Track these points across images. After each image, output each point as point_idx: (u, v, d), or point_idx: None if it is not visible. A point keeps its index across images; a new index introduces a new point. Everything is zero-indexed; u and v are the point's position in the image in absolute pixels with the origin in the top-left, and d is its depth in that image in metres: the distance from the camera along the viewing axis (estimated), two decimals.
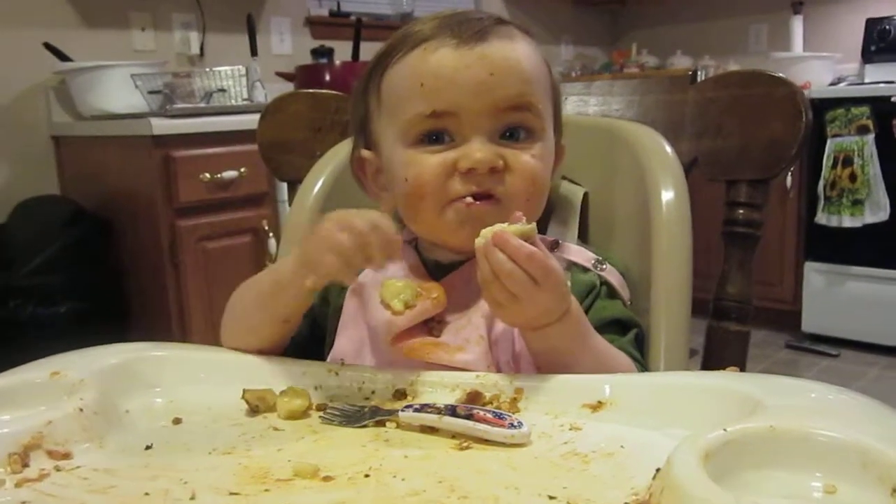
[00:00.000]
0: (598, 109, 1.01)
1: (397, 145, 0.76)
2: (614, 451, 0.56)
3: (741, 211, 0.90)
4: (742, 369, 0.83)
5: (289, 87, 2.83)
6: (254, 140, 1.12)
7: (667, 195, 0.83)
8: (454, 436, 0.59)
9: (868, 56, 3.43)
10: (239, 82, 2.64)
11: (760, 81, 0.89)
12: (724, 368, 0.68)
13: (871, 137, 3.00)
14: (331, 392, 0.69)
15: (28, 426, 0.58)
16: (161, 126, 2.21)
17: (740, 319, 0.90)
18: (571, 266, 0.81)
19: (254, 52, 2.81)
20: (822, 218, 3.14)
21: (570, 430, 0.60)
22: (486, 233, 0.66)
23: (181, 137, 2.24)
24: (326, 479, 0.53)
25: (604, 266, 0.81)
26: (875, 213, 3.02)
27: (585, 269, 0.80)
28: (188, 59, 2.89)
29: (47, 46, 2.43)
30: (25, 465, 0.55)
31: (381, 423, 0.63)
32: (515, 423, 0.58)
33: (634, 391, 0.64)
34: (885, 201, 3.00)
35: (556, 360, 0.68)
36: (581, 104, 1.02)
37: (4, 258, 2.27)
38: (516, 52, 0.75)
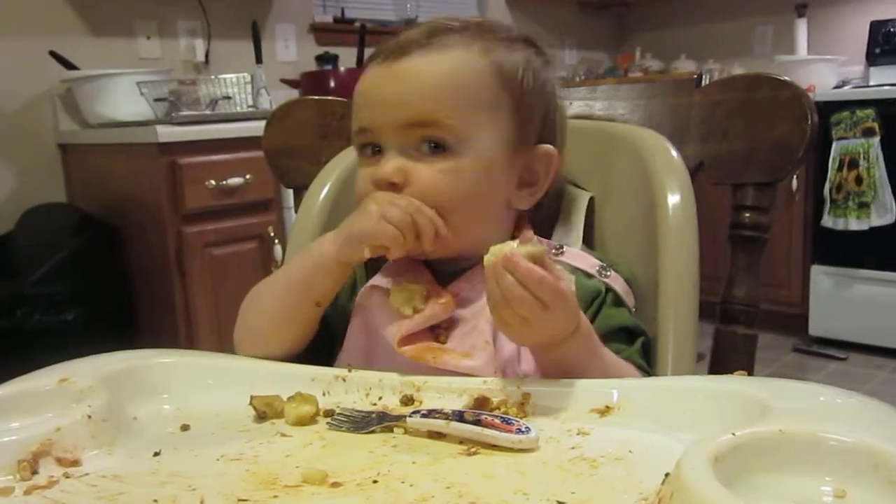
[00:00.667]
0: (603, 113, 1.01)
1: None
2: (623, 456, 0.56)
3: (748, 214, 0.90)
4: (750, 373, 0.82)
5: (294, 93, 2.84)
6: (259, 147, 1.13)
7: (673, 199, 0.83)
8: (462, 441, 0.59)
9: (873, 58, 3.42)
10: (244, 89, 2.65)
11: (766, 84, 0.89)
12: (731, 372, 0.68)
13: (876, 140, 2.99)
14: (338, 398, 0.69)
15: (37, 433, 0.58)
16: (167, 133, 2.22)
17: (748, 323, 0.90)
18: (576, 272, 0.81)
19: (259, 59, 2.82)
20: (828, 221, 3.13)
21: (578, 434, 0.60)
22: (496, 251, 0.65)
23: (187, 144, 2.25)
24: (335, 485, 0.53)
25: (608, 273, 0.81)
26: (881, 215, 3.01)
27: (590, 276, 0.80)
28: (193, 66, 2.90)
29: (53, 55, 2.44)
30: (34, 472, 0.55)
31: (388, 429, 0.63)
32: (523, 429, 0.58)
33: (642, 396, 0.64)
34: (892, 204, 2.99)
35: (564, 375, 0.68)
36: (586, 108, 1.02)
37: (12, 266, 2.28)
38: (432, 65, 0.75)
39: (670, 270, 0.81)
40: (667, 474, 0.48)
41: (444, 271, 0.80)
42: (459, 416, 0.60)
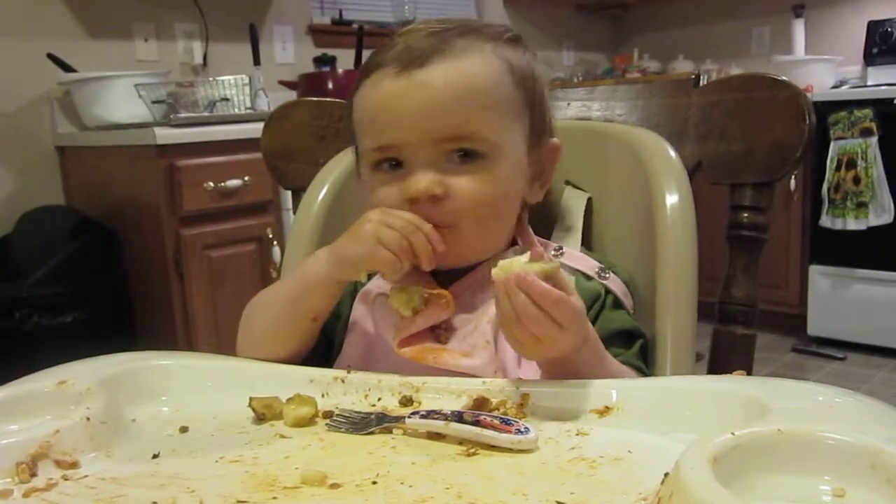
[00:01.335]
0: (601, 114, 1.01)
1: (364, 167, 0.80)
2: (622, 457, 0.56)
3: (746, 214, 0.90)
4: (748, 373, 0.82)
5: (292, 95, 2.84)
6: (257, 148, 1.13)
7: (671, 199, 0.83)
8: (461, 442, 0.59)
9: (870, 58, 3.43)
10: (242, 91, 2.65)
11: (764, 85, 0.89)
12: (730, 372, 0.68)
13: (874, 140, 2.99)
14: (337, 399, 0.69)
15: (35, 435, 0.58)
16: (165, 135, 2.22)
17: (746, 323, 0.90)
18: (575, 273, 0.81)
19: (256, 61, 2.82)
20: (826, 221, 3.13)
21: (578, 435, 0.60)
22: (506, 265, 0.64)
23: (185, 147, 2.25)
24: (334, 486, 0.53)
25: (607, 274, 0.81)
26: (879, 215, 3.01)
27: (589, 278, 0.80)
28: (191, 68, 2.90)
29: (51, 57, 2.44)
30: (33, 475, 0.55)
31: (387, 430, 0.63)
32: (522, 429, 0.58)
33: (641, 396, 0.64)
34: (890, 203, 2.99)
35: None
36: (584, 109, 1.02)
37: (10, 269, 2.27)
38: (458, 73, 0.73)
39: (669, 271, 0.81)
40: (666, 474, 0.48)
41: (444, 272, 0.80)
42: (458, 417, 0.60)
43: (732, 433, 0.48)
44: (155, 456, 0.60)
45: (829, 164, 3.09)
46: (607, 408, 0.63)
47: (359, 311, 0.81)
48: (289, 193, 1.15)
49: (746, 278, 0.90)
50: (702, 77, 0.97)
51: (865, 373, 2.98)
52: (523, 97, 0.77)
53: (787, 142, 0.87)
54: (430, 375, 0.70)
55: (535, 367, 0.72)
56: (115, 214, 2.40)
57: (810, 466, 0.47)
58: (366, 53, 2.94)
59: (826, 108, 3.05)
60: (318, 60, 3.04)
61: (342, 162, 1.01)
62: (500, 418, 0.60)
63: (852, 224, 3.07)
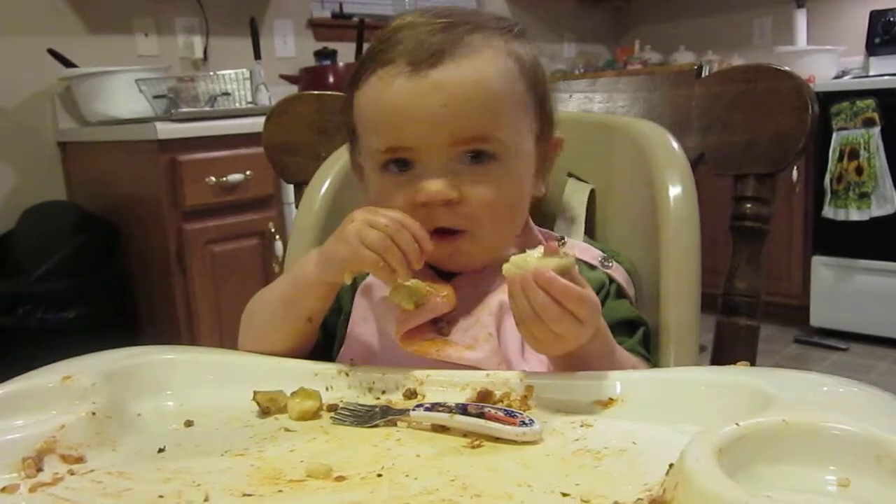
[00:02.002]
0: (603, 106, 1.01)
1: (369, 166, 0.77)
2: (626, 448, 0.56)
3: (749, 205, 0.90)
4: (752, 364, 0.82)
5: (293, 89, 2.83)
6: (259, 143, 1.13)
7: (674, 191, 0.83)
8: (466, 434, 0.59)
9: (872, 48, 3.42)
10: (243, 86, 2.64)
11: (766, 75, 0.89)
12: (734, 363, 0.68)
13: (876, 130, 2.98)
14: (342, 392, 0.69)
15: (41, 431, 0.58)
16: (166, 130, 2.22)
17: (750, 314, 0.90)
18: (579, 263, 0.81)
19: (257, 56, 2.82)
20: (828, 212, 3.13)
21: (582, 427, 0.60)
22: (518, 262, 0.63)
23: (186, 141, 2.25)
24: (339, 479, 0.53)
25: (610, 264, 0.81)
26: (882, 206, 3.00)
27: (593, 267, 0.80)
28: (192, 63, 2.89)
29: (52, 53, 2.44)
30: (39, 470, 0.56)
31: (392, 423, 0.63)
32: (527, 421, 0.58)
33: (645, 387, 0.64)
34: (892, 194, 2.98)
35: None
36: (586, 101, 1.01)
37: (12, 265, 2.28)
38: (474, 73, 0.71)
39: (672, 261, 0.81)
40: (671, 465, 0.48)
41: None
42: (463, 410, 0.60)
43: (737, 424, 0.48)
44: (160, 450, 0.60)
45: (832, 155, 3.08)
46: (611, 399, 0.63)
47: (360, 306, 0.81)
48: (291, 188, 1.15)
49: (750, 269, 0.90)
50: (704, 68, 0.97)
51: (868, 363, 2.98)
52: (533, 94, 0.76)
53: (789, 132, 0.87)
54: (433, 369, 0.70)
55: (538, 358, 0.72)
56: (117, 210, 2.40)
57: (815, 457, 0.47)
58: (367, 47, 2.92)
59: (828, 99, 3.04)
60: (319, 54, 3.04)
61: (344, 155, 1.00)
62: (505, 410, 0.60)
63: (855, 215, 3.06)
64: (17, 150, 2.51)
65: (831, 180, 3.10)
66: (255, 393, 0.67)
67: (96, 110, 2.48)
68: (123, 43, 2.72)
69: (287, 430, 0.63)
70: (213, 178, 2.27)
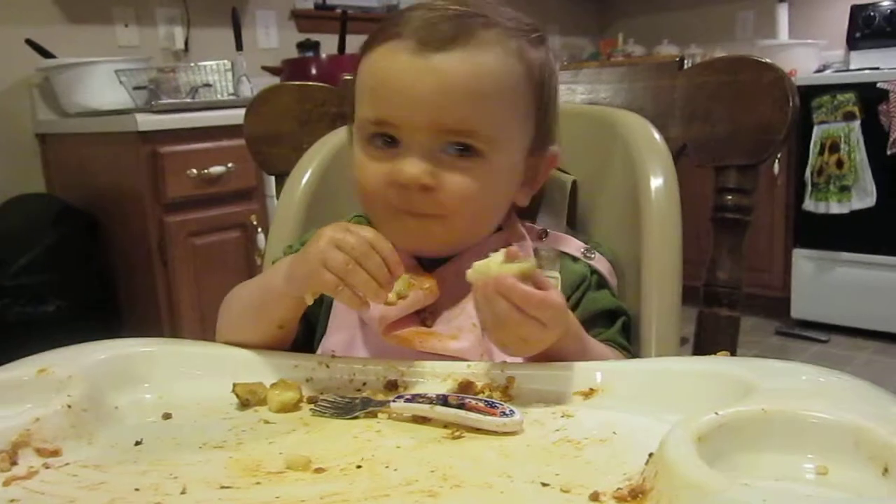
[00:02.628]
0: (585, 97, 1.01)
1: (355, 140, 0.77)
2: (607, 438, 0.56)
3: (730, 197, 0.90)
4: (733, 355, 0.83)
5: (275, 81, 2.80)
6: (241, 135, 1.12)
7: (656, 182, 0.83)
8: (446, 425, 0.59)
9: (853, 43, 3.44)
10: (225, 77, 2.62)
11: (748, 67, 0.89)
12: (715, 354, 0.68)
13: (857, 124, 3.01)
14: (322, 384, 0.69)
15: (16, 424, 0.57)
16: (147, 122, 2.19)
17: (731, 305, 0.90)
18: (561, 255, 0.81)
19: (239, 47, 2.79)
20: (809, 205, 3.15)
21: (563, 417, 0.60)
22: (481, 268, 0.63)
23: (167, 133, 2.23)
24: (318, 470, 0.53)
25: (592, 255, 0.81)
26: (862, 199, 3.03)
27: (575, 259, 0.80)
28: (173, 54, 2.87)
29: (30, 43, 2.41)
30: (14, 463, 0.55)
31: (372, 414, 0.62)
32: (507, 412, 0.58)
33: (626, 377, 0.64)
34: (872, 187, 3.01)
35: None
36: (569, 92, 1.01)
37: None
38: (475, 66, 0.70)
39: (654, 252, 0.81)
40: (651, 454, 0.48)
41: (428, 256, 0.79)
42: (444, 401, 0.60)
43: (717, 413, 0.48)
44: (138, 443, 0.59)
45: (813, 148, 3.10)
46: (592, 389, 0.63)
47: None
48: (272, 180, 1.14)
49: (731, 261, 0.91)
50: (686, 61, 0.97)
51: (848, 355, 3.01)
52: (535, 103, 0.75)
53: (771, 124, 0.87)
54: (415, 359, 0.69)
55: None
56: (97, 202, 2.38)
57: (794, 445, 0.48)
58: (350, 39, 2.92)
59: (809, 92, 3.06)
60: (302, 46, 3.01)
61: (326, 146, 1.00)
62: (486, 401, 0.60)
63: (835, 208, 3.09)
64: None
65: (812, 173, 3.12)
66: (234, 385, 0.66)
67: (76, 101, 2.45)
68: (103, 33, 2.69)
69: (266, 421, 0.63)
70: (195, 171, 2.26)
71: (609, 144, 0.90)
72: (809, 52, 3.46)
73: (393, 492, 0.49)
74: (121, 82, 2.41)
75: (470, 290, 0.74)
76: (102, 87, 2.42)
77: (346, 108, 0.82)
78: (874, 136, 2.98)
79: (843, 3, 3.55)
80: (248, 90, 2.72)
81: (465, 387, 0.64)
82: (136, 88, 2.44)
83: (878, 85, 2.95)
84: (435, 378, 0.67)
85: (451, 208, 0.72)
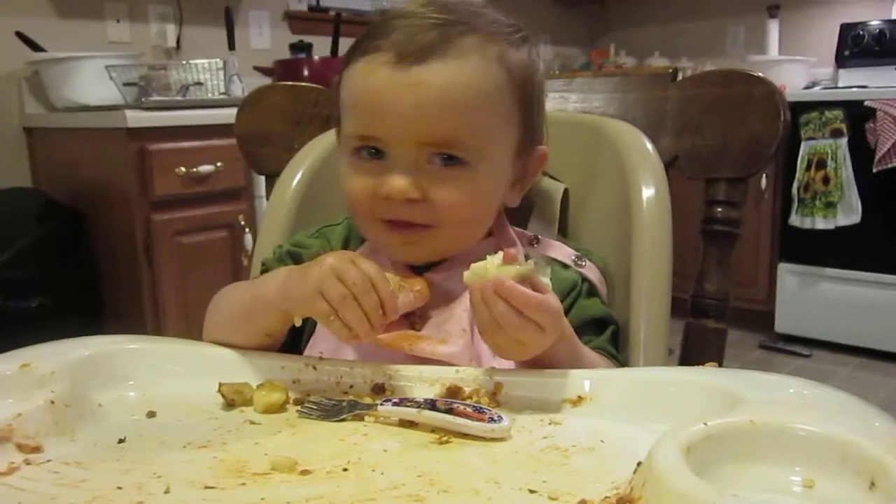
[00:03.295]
0: (578, 106, 1.01)
1: (342, 150, 0.78)
2: (595, 446, 0.56)
3: (720, 209, 0.90)
4: (720, 366, 0.83)
5: (267, 81, 2.79)
6: (231, 134, 1.11)
7: (647, 192, 0.84)
8: (434, 430, 0.59)
9: (842, 60, 3.47)
10: (216, 76, 2.61)
11: (740, 80, 0.90)
12: (702, 365, 0.68)
13: (844, 141, 3.04)
14: (308, 386, 0.69)
15: None
16: (136, 119, 2.18)
17: (717, 317, 0.90)
18: (552, 262, 0.81)
19: (231, 46, 2.78)
20: (795, 220, 3.17)
21: (551, 424, 0.60)
22: (479, 269, 0.63)
23: (157, 130, 2.21)
24: (304, 472, 0.52)
25: (583, 262, 0.81)
26: (847, 215, 3.06)
27: (566, 266, 0.80)
28: (164, 51, 2.85)
29: (20, 36, 2.39)
30: None
31: (359, 417, 0.62)
32: (495, 418, 0.58)
33: (614, 386, 0.64)
34: (857, 204, 3.04)
35: None
36: (562, 101, 1.01)
37: None
38: (455, 77, 0.70)
39: (644, 261, 0.81)
40: (639, 464, 0.48)
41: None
42: (431, 405, 0.60)
43: (705, 423, 0.48)
44: (121, 441, 0.58)
45: (800, 164, 3.13)
46: (580, 397, 0.63)
47: None
48: (262, 181, 1.13)
49: (719, 273, 0.91)
50: (678, 74, 0.97)
51: (830, 370, 3.03)
52: (518, 106, 0.75)
53: (762, 137, 0.87)
54: (402, 364, 0.69)
55: None
56: (84, 198, 2.36)
57: (781, 457, 0.48)
58: (343, 41, 2.92)
59: (798, 108, 3.08)
60: (295, 47, 3.00)
61: (317, 147, 1.00)
62: (474, 406, 0.60)
63: (821, 223, 3.11)
64: None
65: (798, 189, 3.15)
66: (220, 385, 0.66)
67: (65, 96, 2.43)
68: (94, 28, 2.67)
69: (252, 422, 0.62)
70: (183, 169, 2.24)
71: (601, 153, 0.91)
72: (799, 69, 3.50)
73: (379, 495, 0.49)
74: (111, 78, 2.39)
75: (459, 294, 0.75)
76: (92, 83, 2.40)
77: (336, 111, 0.82)
78: (861, 153, 3.01)
79: (833, 20, 3.59)
80: (239, 90, 2.70)
81: (454, 392, 0.64)
82: (125, 85, 2.43)
83: (866, 103, 2.98)
84: (423, 382, 0.67)
85: (439, 219, 0.73)
